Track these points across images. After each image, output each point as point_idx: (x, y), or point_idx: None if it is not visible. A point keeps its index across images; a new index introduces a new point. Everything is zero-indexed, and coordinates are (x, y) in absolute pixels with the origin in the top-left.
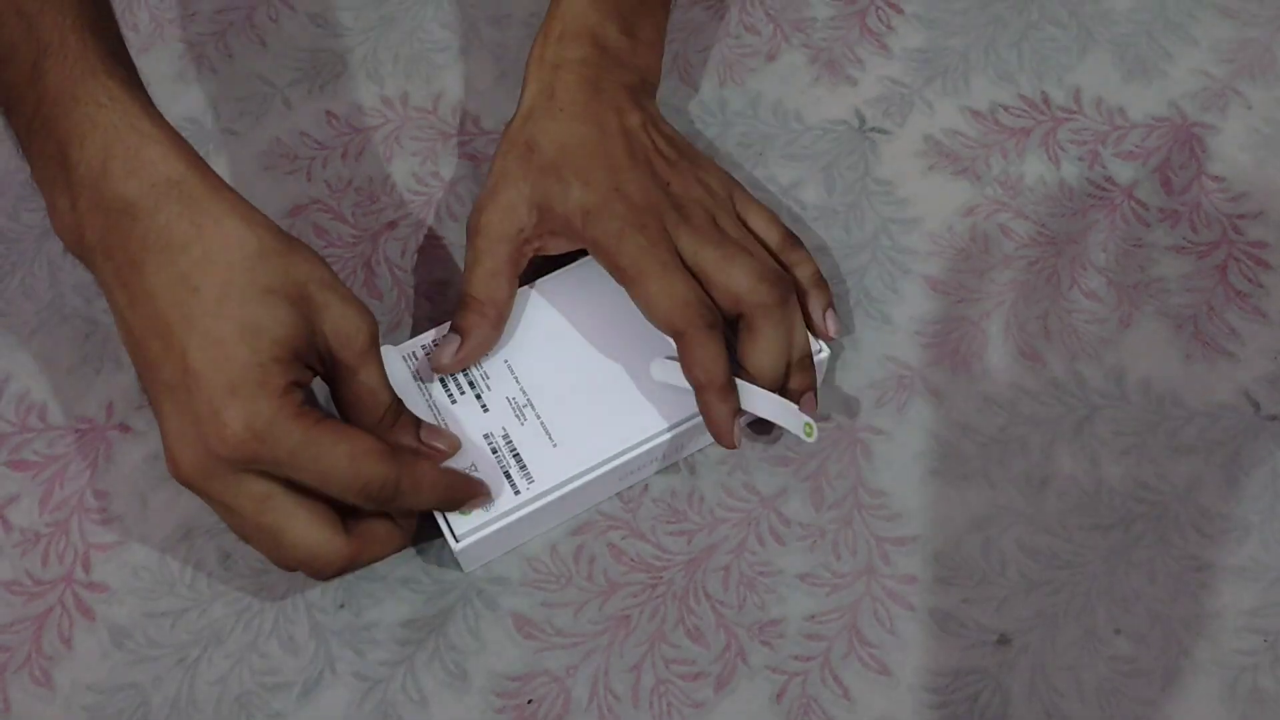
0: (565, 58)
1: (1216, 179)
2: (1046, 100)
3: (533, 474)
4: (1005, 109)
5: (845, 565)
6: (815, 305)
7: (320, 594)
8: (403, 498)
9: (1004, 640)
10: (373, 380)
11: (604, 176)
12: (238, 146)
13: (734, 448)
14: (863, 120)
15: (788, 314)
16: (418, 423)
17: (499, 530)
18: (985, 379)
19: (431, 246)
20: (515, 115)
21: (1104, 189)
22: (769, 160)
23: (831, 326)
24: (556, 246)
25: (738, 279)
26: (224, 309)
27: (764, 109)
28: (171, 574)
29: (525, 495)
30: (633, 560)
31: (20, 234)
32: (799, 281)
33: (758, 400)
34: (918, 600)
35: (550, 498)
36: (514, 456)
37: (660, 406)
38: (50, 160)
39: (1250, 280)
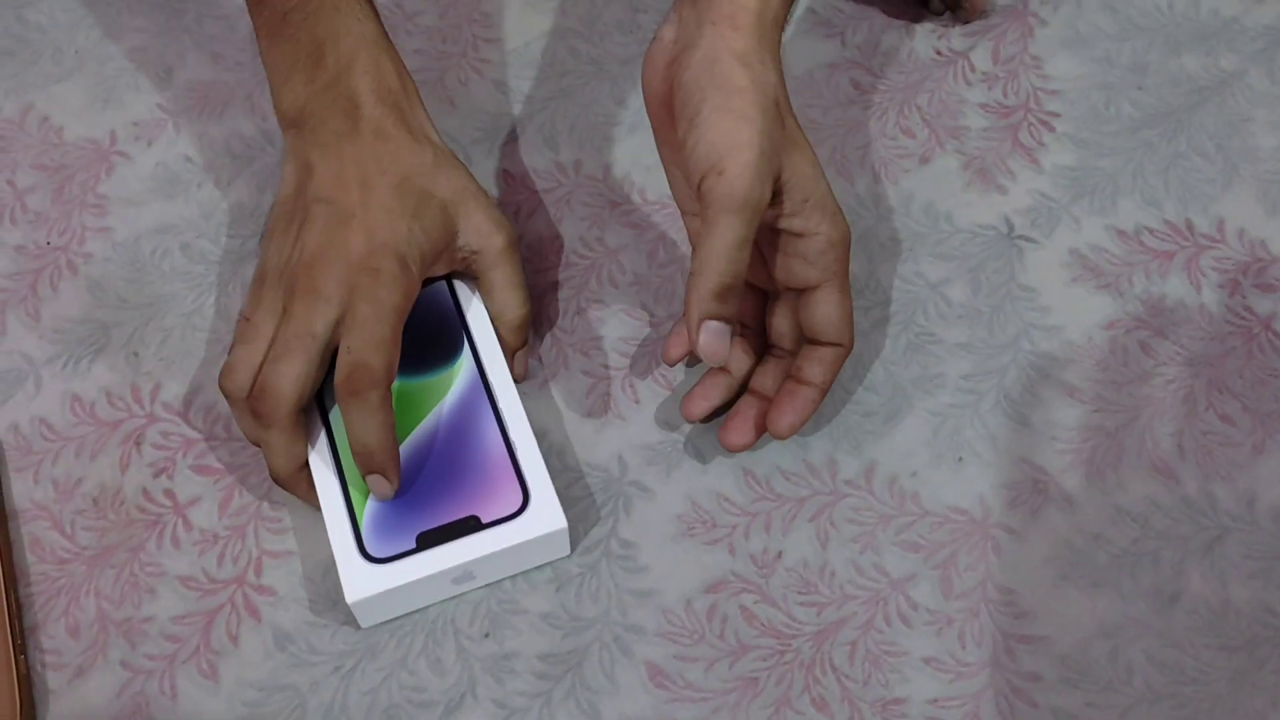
0: None
1: None
2: (1190, 227)
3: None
4: (1150, 231)
5: (970, 655)
6: None
7: (469, 622)
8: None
9: None
10: (507, 278)
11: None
12: None
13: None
14: (1011, 227)
15: None
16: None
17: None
18: (1119, 490)
19: (591, 309)
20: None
21: (1243, 317)
22: (919, 256)
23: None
24: None
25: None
26: (397, 194)
27: (916, 208)
28: (333, 590)
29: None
30: (763, 625)
31: (220, 257)
32: None
33: None
34: (1041, 699)
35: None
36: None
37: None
38: (301, 47)
39: None
